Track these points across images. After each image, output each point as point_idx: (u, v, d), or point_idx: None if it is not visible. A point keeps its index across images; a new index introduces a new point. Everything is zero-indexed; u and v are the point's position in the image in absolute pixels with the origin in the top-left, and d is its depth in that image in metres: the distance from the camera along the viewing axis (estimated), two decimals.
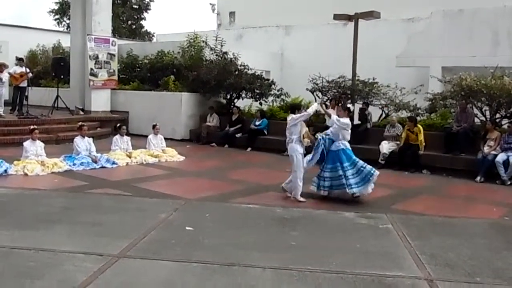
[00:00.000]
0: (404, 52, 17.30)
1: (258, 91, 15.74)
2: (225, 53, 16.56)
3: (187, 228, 6.48)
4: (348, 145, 8.56)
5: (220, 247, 5.81)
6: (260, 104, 15.87)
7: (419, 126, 12.02)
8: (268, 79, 16.49)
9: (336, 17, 14.99)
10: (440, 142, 12.06)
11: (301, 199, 8.34)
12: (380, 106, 14.14)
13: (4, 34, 21.82)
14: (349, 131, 8.56)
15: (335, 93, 14.50)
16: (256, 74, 16.19)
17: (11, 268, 4.93)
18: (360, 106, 13.98)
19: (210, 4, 29.66)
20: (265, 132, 14.65)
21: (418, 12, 18.22)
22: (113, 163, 11.15)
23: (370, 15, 14.28)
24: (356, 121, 13.82)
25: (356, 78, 14.38)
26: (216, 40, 16.86)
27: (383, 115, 14.14)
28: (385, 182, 10.84)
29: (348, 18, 14.83)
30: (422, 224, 7.27)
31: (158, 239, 6.02)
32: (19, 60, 16.47)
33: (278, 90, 15.89)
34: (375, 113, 14.12)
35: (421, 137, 11.81)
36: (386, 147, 12.23)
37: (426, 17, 17.64)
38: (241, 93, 15.97)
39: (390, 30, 18.28)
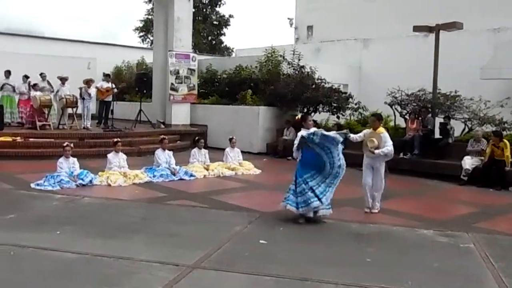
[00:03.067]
0: (489, 64, 16.57)
1: (335, 105, 15.63)
2: (302, 67, 16.60)
3: (261, 241, 6.50)
4: None
5: (293, 261, 5.78)
6: (338, 117, 15.73)
7: (505, 141, 11.43)
8: (345, 93, 16.35)
9: (416, 29, 14.63)
10: None
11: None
12: (462, 120, 13.60)
13: (93, 52, 23.04)
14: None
15: (415, 106, 14.11)
16: (334, 87, 16.10)
17: (92, 275, 5.14)
18: (442, 120, 13.53)
19: (288, 18, 29.97)
20: (342, 146, 14.43)
21: (504, 22, 17.44)
22: (191, 175, 11.40)
23: (452, 26, 13.82)
24: (437, 135, 13.41)
25: (437, 91, 13.94)
26: (293, 54, 16.95)
27: (466, 129, 13.59)
28: (468, 200, 10.45)
29: (429, 29, 14.43)
30: (508, 245, 6.89)
31: (232, 251, 6.09)
32: (106, 76, 17.28)
33: (355, 104, 15.72)
34: (457, 127, 13.59)
35: (508, 152, 11.22)
36: (469, 162, 11.73)
37: None
38: (318, 107, 15.91)
39: (474, 41, 17.59)
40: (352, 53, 21.75)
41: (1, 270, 5.22)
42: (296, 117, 7.83)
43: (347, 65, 21.04)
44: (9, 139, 13.42)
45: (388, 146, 8.07)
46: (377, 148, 8.10)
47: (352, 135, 8.31)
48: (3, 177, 10.52)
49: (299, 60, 16.85)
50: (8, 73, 16.63)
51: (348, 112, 15.78)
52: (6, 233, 6.49)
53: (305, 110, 16.25)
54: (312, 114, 16.11)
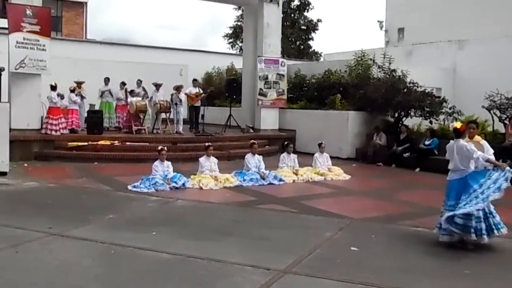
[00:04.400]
0: None
1: (428, 109, 15.11)
2: (393, 70, 16.20)
3: (352, 248, 6.40)
4: None
5: (386, 270, 5.63)
6: (430, 122, 15.20)
7: None
8: (439, 97, 15.79)
9: None
10: None
11: None
12: None
13: (185, 58, 23.82)
14: None
15: None
16: (426, 91, 15.59)
17: (187, 276, 5.28)
18: None
19: (378, 21, 29.37)
20: (436, 152, 13.94)
21: None
22: (280, 180, 11.44)
23: None
24: None
25: None
26: (384, 57, 16.60)
27: None
28: None
29: None
30: None
31: (323, 257, 6.03)
32: (194, 81, 17.75)
33: (450, 108, 15.11)
34: None
35: None
36: None
37: None
38: (409, 111, 15.47)
39: None
40: (445, 55, 20.90)
41: (103, 268, 5.51)
42: (454, 125, 7.01)
43: (440, 68, 20.28)
44: (107, 142, 14.17)
45: (492, 153, 7.62)
46: None
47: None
48: (102, 179, 11.12)
49: (389, 63, 16.47)
50: (107, 80, 17.57)
51: (442, 117, 15.19)
52: (106, 232, 6.83)
53: (396, 114, 15.86)
54: (404, 118, 15.71)
